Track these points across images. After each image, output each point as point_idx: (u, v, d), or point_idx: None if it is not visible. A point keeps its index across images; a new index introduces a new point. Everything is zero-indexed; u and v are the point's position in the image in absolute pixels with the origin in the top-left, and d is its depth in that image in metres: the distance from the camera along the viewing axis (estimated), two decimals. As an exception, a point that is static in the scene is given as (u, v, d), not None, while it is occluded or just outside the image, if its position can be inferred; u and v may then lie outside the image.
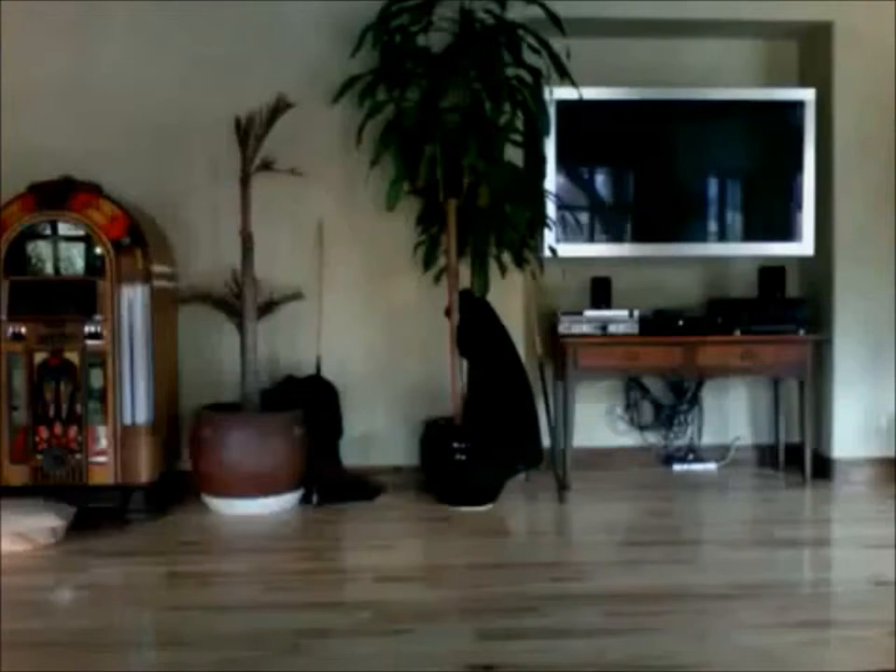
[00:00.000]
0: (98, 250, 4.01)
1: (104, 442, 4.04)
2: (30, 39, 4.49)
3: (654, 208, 4.92)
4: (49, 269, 4.02)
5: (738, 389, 5.17)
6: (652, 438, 5.11)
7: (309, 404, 4.38)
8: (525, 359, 4.51)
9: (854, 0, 4.71)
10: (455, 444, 4.27)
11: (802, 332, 4.69)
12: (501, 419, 4.28)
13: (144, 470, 4.07)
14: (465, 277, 4.45)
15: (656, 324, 4.69)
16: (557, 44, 4.26)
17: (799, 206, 4.82)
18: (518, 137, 4.44)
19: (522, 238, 4.42)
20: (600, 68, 4.72)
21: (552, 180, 4.66)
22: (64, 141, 4.43)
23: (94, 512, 3.99)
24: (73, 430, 4.04)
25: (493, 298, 4.42)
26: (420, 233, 4.56)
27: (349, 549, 3.90)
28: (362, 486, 4.48)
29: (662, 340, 4.64)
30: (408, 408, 4.68)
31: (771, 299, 4.82)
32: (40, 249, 4.02)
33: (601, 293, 4.79)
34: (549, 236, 4.63)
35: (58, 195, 4.05)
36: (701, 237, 4.87)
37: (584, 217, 4.91)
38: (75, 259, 4.03)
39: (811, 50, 4.98)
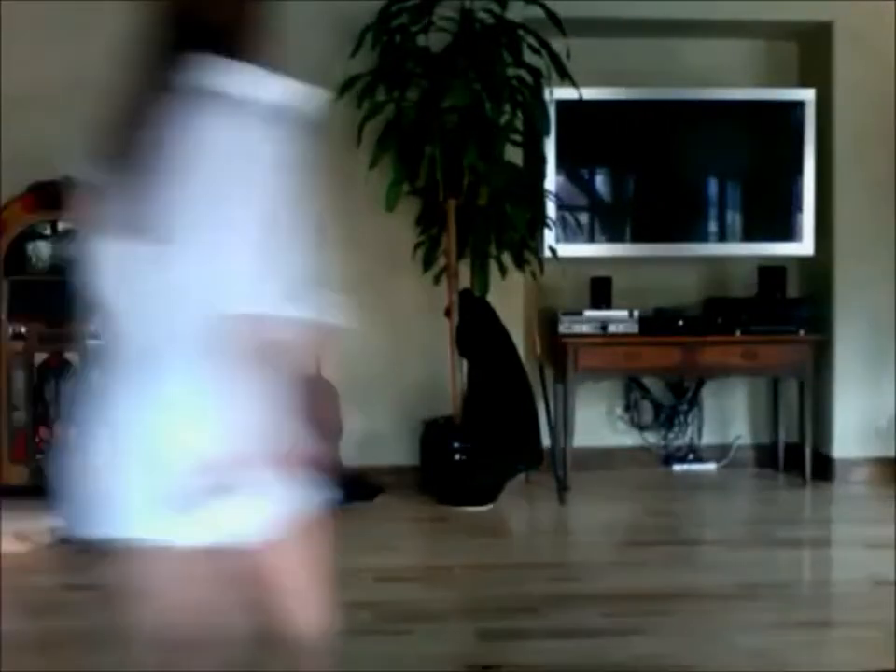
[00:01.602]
0: (98, 250, 4.01)
1: (104, 442, 4.03)
2: (30, 39, 4.49)
3: (654, 208, 4.92)
4: (49, 269, 4.02)
5: (738, 389, 5.16)
6: (652, 438, 5.11)
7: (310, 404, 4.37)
8: (525, 360, 4.51)
9: (854, 0, 4.71)
10: (455, 444, 4.27)
11: (802, 332, 4.69)
12: (501, 419, 4.28)
13: (144, 470, 4.06)
14: (465, 278, 4.45)
15: (656, 324, 4.68)
16: (557, 44, 4.26)
17: (799, 206, 4.82)
18: (518, 137, 4.44)
19: (522, 238, 4.42)
20: (600, 68, 4.71)
21: (552, 180, 4.66)
22: (65, 141, 4.42)
23: (94, 512, 3.98)
24: (73, 430, 4.03)
25: (493, 298, 4.42)
26: (420, 234, 4.56)
27: (349, 549, 3.89)
28: (362, 486, 4.47)
29: (662, 340, 4.63)
30: (408, 408, 4.67)
31: (771, 299, 4.81)
32: (40, 249, 4.02)
33: (601, 293, 4.78)
34: (549, 236, 4.63)
35: (58, 195, 4.05)
36: (701, 237, 4.88)
37: (584, 217, 4.91)
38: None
39: (811, 50, 4.98)
